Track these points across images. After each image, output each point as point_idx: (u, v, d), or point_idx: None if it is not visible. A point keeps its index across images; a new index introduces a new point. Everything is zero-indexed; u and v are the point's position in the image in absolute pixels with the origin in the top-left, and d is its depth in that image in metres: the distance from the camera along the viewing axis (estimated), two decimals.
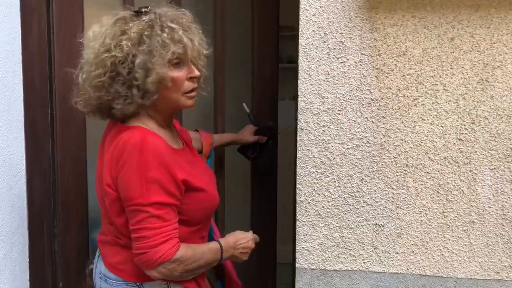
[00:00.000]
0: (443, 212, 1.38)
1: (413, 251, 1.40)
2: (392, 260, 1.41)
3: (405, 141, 1.37)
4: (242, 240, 1.33)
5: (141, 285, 1.22)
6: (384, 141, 1.38)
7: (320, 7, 1.37)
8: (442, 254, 1.39)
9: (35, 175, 1.75)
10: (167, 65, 1.17)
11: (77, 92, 1.24)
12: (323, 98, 1.39)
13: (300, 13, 1.38)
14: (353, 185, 1.40)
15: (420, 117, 1.36)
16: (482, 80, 1.32)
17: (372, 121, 1.38)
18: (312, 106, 1.40)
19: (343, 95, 1.38)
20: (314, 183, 1.42)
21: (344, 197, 1.41)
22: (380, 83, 1.37)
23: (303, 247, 1.44)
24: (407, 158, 1.38)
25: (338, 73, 1.38)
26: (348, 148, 1.40)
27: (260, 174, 1.96)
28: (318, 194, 1.42)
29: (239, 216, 2.04)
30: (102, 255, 1.29)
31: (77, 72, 1.23)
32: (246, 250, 1.34)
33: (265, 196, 1.99)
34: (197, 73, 1.23)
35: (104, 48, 1.17)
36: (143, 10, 1.20)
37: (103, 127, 1.93)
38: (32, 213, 1.74)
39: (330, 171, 1.41)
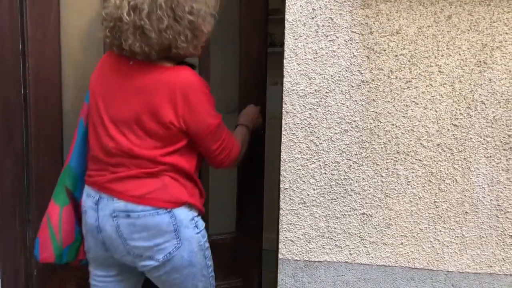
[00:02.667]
0: (434, 202, 1.30)
1: (402, 243, 1.33)
2: (380, 252, 1.33)
3: (396, 126, 1.29)
4: (254, 114, 1.63)
5: (171, 210, 1.31)
6: (374, 126, 1.30)
7: None
8: (433, 246, 1.32)
9: (7, 158, 1.66)
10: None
11: (125, 36, 1.27)
12: (310, 79, 1.30)
13: None
14: (340, 172, 1.32)
15: (413, 101, 1.28)
16: (480, 62, 1.24)
17: (362, 104, 1.29)
18: (298, 87, 1.31)
19: (331, 76, 1.29)
20: (299, 169, 1.33)
21: (330, 185, 1.33)
22: (371, 64, 1.28)
23: (286, 237, 1.36)
24: (398, 144, 1.30)
25: (326, 52, 1.29)
26: (335, 133, 1.31)
27: (246, 161, 1.89)
28: (303, 181, 1.34)
29: (225, 202, 1.96)
30: (116, 192, 1.33)
31: (117, 14, 1.27)
32: (258, 116, 1.66)
33: (252, 183, 1.91)
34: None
35: None
36: None
37: (79, 107, 1.84)
38: (3, 198, 1.66)
39: (316, 157, 1.33)
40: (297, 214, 1.35)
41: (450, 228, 1.30)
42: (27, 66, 1.65)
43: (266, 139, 1.86)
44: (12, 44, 1.63)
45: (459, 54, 1.24)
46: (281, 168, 1.34)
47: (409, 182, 1.31)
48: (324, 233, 1.35)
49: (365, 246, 1.34)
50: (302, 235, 1.35)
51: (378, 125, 1.30)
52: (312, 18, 1.28)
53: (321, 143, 1.32)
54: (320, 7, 1.28)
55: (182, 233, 1.32)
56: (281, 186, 1.35)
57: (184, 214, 1.33)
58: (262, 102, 1.83)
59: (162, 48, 1.26)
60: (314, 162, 1.33)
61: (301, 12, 1.28)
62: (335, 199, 1.33)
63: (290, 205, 1.35)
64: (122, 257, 1.35)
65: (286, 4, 1.29)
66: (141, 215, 1.30)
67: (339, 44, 1.28)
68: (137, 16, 1.24)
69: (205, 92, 1.30)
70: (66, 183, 1.45)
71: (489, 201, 1.28)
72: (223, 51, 1.89)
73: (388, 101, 1.29)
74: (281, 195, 1.35)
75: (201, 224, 1.38)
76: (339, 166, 1.32)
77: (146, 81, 1.29)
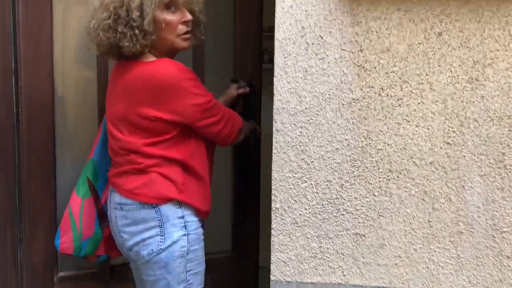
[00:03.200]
0: (428, 221, 1.27)
1: (396, 263, 1.30)
2: (373, 273, 1.30)
3: (388, 144, 1.27)
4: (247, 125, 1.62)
5: (157, 206, 1.34)
6: (366, 144, 1.28)
7: None
8: (428, 267, 1.28)
9: None
10: (161, 8, 1.33)
11: (90, 38, 1.37)
12: (300, 97, 1.29)
13: (276, 5, 1.27)
14: (332, 192, 1.30)
15: (405, 119, 1.26)
16: (472, 79, 1.22)
17: (353, 122, 1.28)
18: (289, 105, 1.29)
19: (322, 94, 1.28)
20: (291, 188, 1.31)
21: (322, 204, 1.31)
22: (362, 82, 1.26)
23: (278, 258, 1.33)
24: (391, 162, 1.27)
25: (316, 70, 1.28)
26: (327, 151, 1.29)
27: (242, 178, 1.87)
28: (295, 200, 1.32)
29: (221, 220, 1.93)
30: (116, 186, 1.40)
31: (88, 20, 1.36)
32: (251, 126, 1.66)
33: (248, 201, 1.89)
34: (189, 16, 1.37)
35: None
36: None
37: (72, 127, 1.83)
38: None
39: (308, 176, 1.30)
40: (289, 234, 1.32)
41: (445, 248, 1.27)
42: (20, 85, 1.64)
43: (261, 156, 1.85)
44: (4, 63, 1.63)
45: (451, 71, 1.23)
46: (272, 188, 1.32)
47: (402, 201, 1.28)
48: (317, 253, 1.32)
49: (359, 267, 1.31)
50: (294, 256, 1.33)
51: (369, 143, 1.28)
52: (302, 36, 1.27)
53: (312, 162, 1.30)
54: (310, 25, 1.27)
55: (167, 230, 1.33)
56: (272, 205, 1.32)
57: (170, 211, 1.34)
58: (257, 119, 1.82)
59: (109, 49, 1.33)
60: (306, 181, 1.31)
61: (290, 31, 1.28)
62: (327, 218, 1.31)
63: (282, 225, 1.32)
64: (121, 248, 1.42)
65: (276, 23, 1.28)
66: (130, 208, 1.35)
67: (329, 62, 1.27)
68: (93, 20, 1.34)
69: (185, 78, 1.31)
70: (89, 175, 1.50)
71: (485, 221, 1.25)
72: (218, 67, 1.89)
73: (380, 119, 1.27)
74: (272, 215, 1.33)
75: (194, 225, 1.36)
76: (331, 185, 1.30)
77: (128, 78, 1.33)
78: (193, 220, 1.37)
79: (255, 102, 1.74)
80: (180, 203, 1.35)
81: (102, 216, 1.49)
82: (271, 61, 2.16)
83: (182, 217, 1.35)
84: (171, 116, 1.31)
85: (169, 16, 1.34)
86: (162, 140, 1.33)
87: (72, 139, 1.79)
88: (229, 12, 1.81)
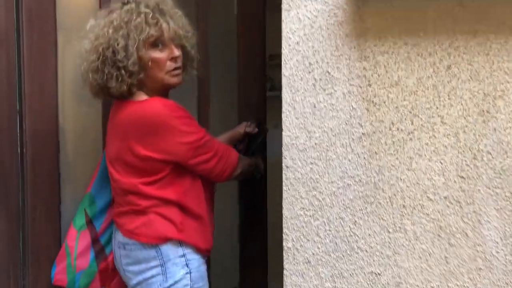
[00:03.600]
0: (445, 257, 1.24)
1: None
2: None
3: (401, 179, 1.25)
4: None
5: (157, 246, 1.34)
6: (378, 180, 1.25)
7: (304, 35, 1.26)
8: None
9: (1, 220, 1.61)
10: (146, 47, 1.34)
11: (83, 79, 1.40)
12: (309, 133, 1.27)
13: (283, 42, 1.27)
14: (345, 229, 1.27)
15: (417, 153, 1.24)
16: (483, 111, 1.21)
17: (364, 158, 1.26)
18: (298, 141, 1.28)
19: (331, 129, 1.26)
20: (302, 227, 1.28)
21: (335, 242, 1.27)
22: (372, 116, 1.25)
23: None
24: (404, 198, 1.25)
25: (325, 106, 1.26)
26: (338, 187, 1.27)
27: (248, 211, 1.83)
28: (307, 239, 1.28)
29: (227, 255, 1.89)
30: (119, 225, 1.41)
31: (80, 63, 1.39)
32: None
33: (254, 233, 1.85)
34: (176, 53, 1.37)
35: (95, 37, 1.35)
36: (126, 1, 1.38)
37: (76, 164, 1.81)
38: None
39: (320, 213, 1.28)
40: (302, 274, 1.28)
41: (463, 285, 1.23)
42: (24, 124, 1.63)
43: (267, 185, 1.81)
44: (8, 102, 1.62)
45: (461, 104, 1.21)
46: (284, 226, 1.29)
47: (417, 237, 1.25)
48: None
49: None
50: None
51: (382, 179, 1.25)
52: (309, 72, 1.27)
53: (324, 198, 1.27)
54: (317, 61, 1.26)
55: (168, 270, 1.33)
56: (284, 245, 1.29)
57: (171, 250, 1.34)
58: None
59: (99, 89, 1.36)
60: (318, 219, 1.28)
61: (297, 67, 1.27)
62: (341, 257, 1.27)
63: (295, 265, 1.29)
64: (128, 285, 1.42)
65: (283, 59, 1.28)
66: (132, 248, 1.36)
67: (337, 97, 1.26)
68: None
69: (174, 116, 1.31)
70: (86, 207, 1.50)
71: (503, 256, 1.21)
72: (222, 97, 1.88)
73: (391, 154, 1.25)
74: (284, 255, 1.29)
75: (196, 264, 1.36)
76: (343, 222, 1.27)
77: (119, 118, 1.35)
78: (194, 258, 1.36)
79: (261, 142, 1.72)
80: (180, 242, 1.35)
81: (98, 249, 1.49)
82: (272, 88, 2.19)
83: (183, 255, 1.35)
84: (161, 155, 1.31)
85: (156, 54, 1.35)
86: (156, 180, 1.33)
87: (74, 175, 1.77)
88: (233, 42, 1.81)
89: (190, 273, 1.34)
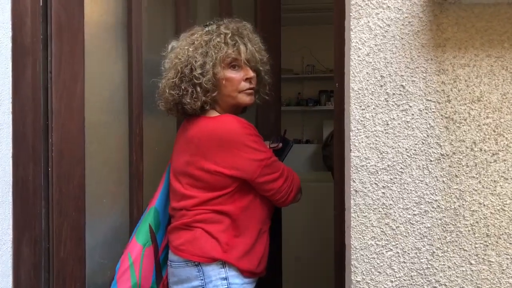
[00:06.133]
0: None
1: None
2: None
3: (484, 205, 1.12)
4: None
5: (199, 264, 1.31)
6: (459, 206, 1.13)
7: (375, 45, 1.15)
8: None
9: (24, 246, 1.46)
10: (222, 66, 1.37)
11: (159, 95, 1.44)
12: (381, 153, 1.15)
13: (352, 53, 1.15)
14: (421, 261, 1.14)
15: (502, 176, 1.12)
16: None
17: (443, 181, 1.13)
18: (369, 163, 1.15)
19: (406, 149, 1.14)
20: (374, 258, 1.15)
21: (411, 276, 1.14)
22: (451, 135, 1.13)
23: None
24: (488, 226, 1.12)
25: (399, 123, 1.14)
26: (414, 214, 1.14)
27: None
28: (379, 272, 1.15)
29: None
30: (169, 242, 1.40)
31: (160, 79, 1.44)
32: None
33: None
34: (251, 74, 1.40)
35: (175, 55, 1.41)
36: (208, 23, 1.44)
37: (101, 181, 1.68)
38: None
39: (393, 243, 1.14)
40: None
41: None
42: (50, 142, 1.49)
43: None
44: (33, 120, 1.48)
45: None
46: (352, 257, 1.15)
47: (503, 270, 1.12)
48: None
49: None
50: None
51: (463, 205, 1.13)
52: (381, 86, 1.15)
53: (398, 227, 1.14)
54: (390, 74, 1.14)
55: None
56: (352, 278, 1.15)
57: (214, 271, 1.31)
58: None
59: (173, 105, 1.39)
60: (391, 249, 1.15)
61: (368, 80, 1.15)
62: None
63: None
64: None
65: (351, 72, 1.16)
66: (175, 265, 1.35)
67: (413, 114, 1.14)
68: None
69: (246, 134, 1.32)
70: (151, 223, 1.45)
71: None
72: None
73: (473, 177, 1.13)
74: None
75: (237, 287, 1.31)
76: (420, 253, 1.14)
77: (191, 133, 1.36)
78: (236, 283, 1.30)
79: (284, 158, 1.63)
80: (223, 263, 1.31)
81: (158, 269, 1.45)
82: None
83: (226, 278, 1.31)
84: (232, 171, 1.31)
85: (232, 74, 1.39)
86: (220, 195, 1.33)
87: (101, 196, 1.64)
88: None
89: None
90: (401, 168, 1.14)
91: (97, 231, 1.62)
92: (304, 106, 4.87)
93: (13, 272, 1.42)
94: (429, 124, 1.14)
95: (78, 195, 1.53)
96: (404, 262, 1.14)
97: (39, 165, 1.49)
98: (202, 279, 1.30)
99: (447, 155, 1.13)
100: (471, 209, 1.13)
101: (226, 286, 1.30)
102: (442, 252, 1.13)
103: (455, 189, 1.13)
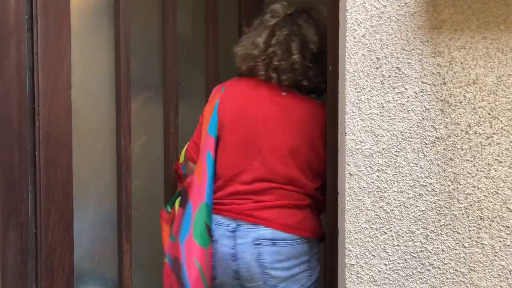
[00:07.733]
0: None
1: None
2: None
3: (478, 188, 1.12)
4: None
5: (310, 240, 1.39)
6: (453, 189, 1.13)
7: (371, 26, 1.13)
8: None
9: (9, 231, 1.42)
10: None
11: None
12: (377, 137, 1.14)
13: (347, 34, 1.14)
14: (415, 244, 1.14)
15: (496, 159, 1.12)
16: None
17: (438, 164, 1.13)
18: (364, 146, 1.14)
19: (401, 132, 1.13)
20: (368, 241, 1.15)
21: (405, 259, 1.14)
22: (447, 118, 1.12)
23: None
24: (482, 209, 1.12)
25: (394, 106, 1.13)
26: (409, 197, 1.14)
27: None
28: (373, 255, 1.14)
29: None
30: (268, 219, 1.36)
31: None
32: None
33: None
34: None
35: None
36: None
37: (90, 170, 1.64)
38: (6, 276, 1.41)
39: (387, 227, 1.14)
40: None
41: None
42: (37, 125, 1.45)
43: None
44: (18, 102, 1.44)
45: None
46: (346, 241, 1.15)
47: (496, 252, 1.13)
48: None
49: None
50: None
51: (457, 188, 1.13)
52: (377, 68, 1.13)
53: (392, 210, 1.14)
54: (385, 56, 1.13)
55: (313, 265, 1.41)
56: (346, 262, 1.15)
57: (316, 245, 1.42)
58: None
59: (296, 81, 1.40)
60: (385, 233, 1.14)
61: (363, 62, 1.14)
62: (410, 275, 1.14)
63: (358, 284, 1.15)
64: (255, 286, 1.37)
65: (346, 54, 1.14)
66: (288, 243, 1.35)
67: (408, 97, 1.13)
68: (287, 54, 1.39)
69: None
70: (206, 220, 1.39)
71: None
72: None
73: (468, 160, 1.12)
74: (347, 273, 1.15)
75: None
76: (414, 237, 1.14)
77: (305, 114, 1.39)
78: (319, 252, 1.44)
79: None
80: (320, 239, 1.42)
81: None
82: None
83: (319, 252, 1.43)
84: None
85: None
86: (323, 183, 1.36)
87: (88, 181, 1.61)
88: None
89: (319, 265, 1.43)
90: (396, 151, 1.14)
91: (85, 217, 1.60)
92: None
93: (0, 257, 1.39)
94: (425, 106, 1.13)
95: (66, 180, 1.50)
96: (398, 245, 1.14)
97: (25, 149, 1.45)
98: (309, 254, 1.38)
99: (442, 138, 1.13)
100: (465, 192, 1.13)
101: (318, 255, 1.43)
102: (436, 235, 1.13)
103: (449, 172, 1.13)
